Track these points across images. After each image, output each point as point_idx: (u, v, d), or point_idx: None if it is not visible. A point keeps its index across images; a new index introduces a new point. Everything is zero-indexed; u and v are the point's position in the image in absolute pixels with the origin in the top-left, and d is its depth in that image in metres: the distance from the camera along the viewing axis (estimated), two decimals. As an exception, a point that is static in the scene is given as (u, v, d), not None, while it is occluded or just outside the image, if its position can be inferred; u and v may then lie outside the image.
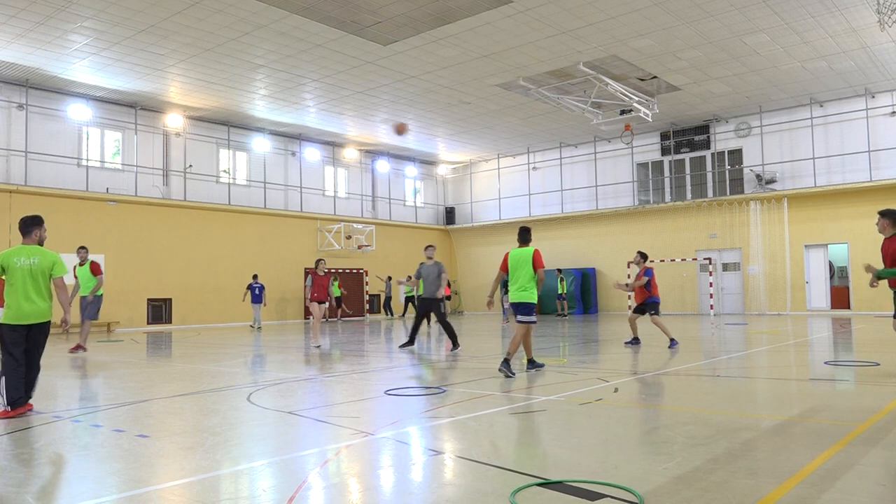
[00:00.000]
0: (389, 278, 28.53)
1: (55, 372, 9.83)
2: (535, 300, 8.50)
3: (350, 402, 6.84)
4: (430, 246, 12.55)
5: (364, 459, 4.56)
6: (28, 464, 4.39)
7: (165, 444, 4.97)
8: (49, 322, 6.45)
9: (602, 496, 3.45)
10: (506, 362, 8.28)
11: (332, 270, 27.69)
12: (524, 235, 8.80)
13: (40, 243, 6.62)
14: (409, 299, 26.00)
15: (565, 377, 8.23)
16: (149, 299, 22.18)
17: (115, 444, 4.99)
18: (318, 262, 13.77)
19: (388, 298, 28.54)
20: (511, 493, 3.51)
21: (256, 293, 21.33)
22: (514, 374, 8.23)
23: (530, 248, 8.63)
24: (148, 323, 22.06)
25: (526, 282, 8.49)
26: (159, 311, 22.47)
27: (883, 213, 7.81)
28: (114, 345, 15.39)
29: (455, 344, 11.79)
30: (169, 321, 22.54)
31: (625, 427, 5.28)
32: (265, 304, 21.99)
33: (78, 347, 12.75)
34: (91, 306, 12.88)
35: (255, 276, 21.81)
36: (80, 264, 12.94)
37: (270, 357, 11.91)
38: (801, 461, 4.10)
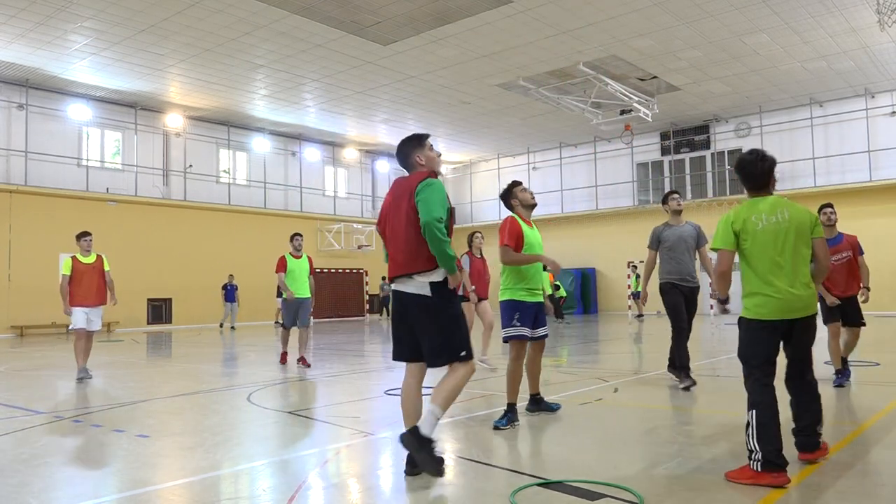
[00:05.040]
0: (383, 279, 28.52)
1: (55, 372, 9.83)
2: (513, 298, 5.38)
3: (350, 402, 6.85)
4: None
5: (364, 459, 4.56)
6: (28, 464, 4.39)
7: (165, 444, 4.98)
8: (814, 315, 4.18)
9: (602, 496, 3.46)
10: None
11: (327, 271, 27.63)
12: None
13: None
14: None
15: (565, 377, 8.23)
16: (149, 299, 22.17)
17: (115, 444, 4.99)
18: (471, 236, 9.43)
19: (386, 298, 28.54)
20: (511, 493, 3.51)
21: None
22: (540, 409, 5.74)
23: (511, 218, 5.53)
24: (148, 323, 22.05)
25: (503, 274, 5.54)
26: (159, 311, 22.46)
27: None
28: (114, 345, 15.39)
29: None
30: (169, 321, 22.54)
31: (625, 427, 5.28)
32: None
33: (303, 361, 9.77)
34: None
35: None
36: (296, 255, 10.12)
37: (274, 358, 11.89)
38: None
